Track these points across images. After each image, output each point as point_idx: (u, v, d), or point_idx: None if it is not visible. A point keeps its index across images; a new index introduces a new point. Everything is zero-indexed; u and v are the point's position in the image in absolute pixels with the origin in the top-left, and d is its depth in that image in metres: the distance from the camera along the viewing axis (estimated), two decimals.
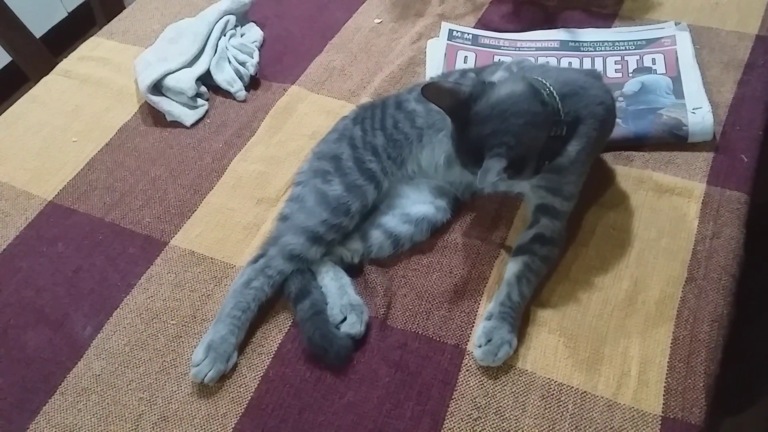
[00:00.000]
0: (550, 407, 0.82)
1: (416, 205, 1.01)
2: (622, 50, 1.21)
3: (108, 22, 1.47)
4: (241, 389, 0.88)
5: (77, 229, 1.08)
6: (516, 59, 1.05)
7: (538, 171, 0.86)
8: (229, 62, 1.28)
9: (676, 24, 1.24)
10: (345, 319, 0.91)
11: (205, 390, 0.88)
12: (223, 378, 0.89)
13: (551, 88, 0.86)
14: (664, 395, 0.82)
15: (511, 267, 0.92)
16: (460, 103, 0.85)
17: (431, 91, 0.87)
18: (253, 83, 1.29)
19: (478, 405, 0.83)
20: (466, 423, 0.82)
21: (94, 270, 1.03)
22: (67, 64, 1.37)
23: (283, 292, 0.95)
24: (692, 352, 0.85)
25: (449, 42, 1.26)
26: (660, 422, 0.80)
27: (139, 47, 1.37)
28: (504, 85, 0.86)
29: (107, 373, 0.91)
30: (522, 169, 0.84)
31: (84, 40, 1.42)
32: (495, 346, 0.84)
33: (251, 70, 1.27)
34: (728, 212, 0.97)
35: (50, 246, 1.06)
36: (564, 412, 0.82)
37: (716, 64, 1.18)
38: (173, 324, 0.95)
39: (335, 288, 0.94)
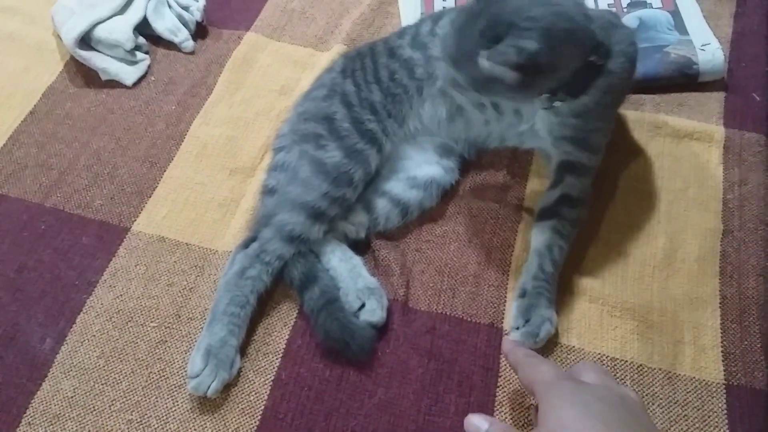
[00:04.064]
0: None
1: (422, 166, 0.89)
2: None
3: None
4: (252, 397, 0.75)
5: (11, 218, 0.89)
6: None
7: (551, 99, 0.76)
8: (170, 7, 1.09)
9: None
10: (363, 305, 0.79)
11: (209, 403, 0.75)
12: (228, 387, 0.75)
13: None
14: (723, 361, 0.76)
15: (538, 234, 0.82)
16: None
17: None
18: (199, 31, 1.10)
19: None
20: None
21: (42, 268, 0.85)
22: None
23: (282, 278, 0.82)
24: (743, 311, 0.79)
25: None
26: (724, 390, 0.74)
27: None
28: None
29: (82, 394, 0.75)
30: (535, 81, 0.71)
31: None
32: (535, 326, 0.75)
33: (197, 16, 1.09)
34: (751, 156, 0.92)
35: None
36: None
37: None
38: (154, 327, 0.80)
39: (346, 270, 0.81)
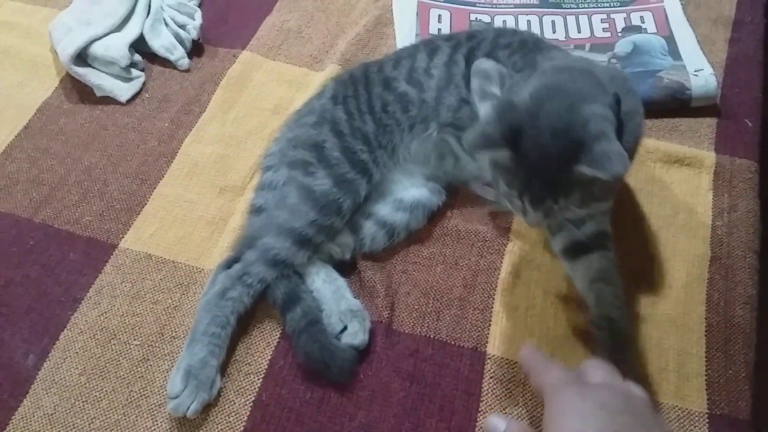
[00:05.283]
0: None
1: (408, 189, 0.89)
2: (607, 7, 1.12)
3: None
4: (231, 418, 0.75)
5: (1, 233, 0.90)
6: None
7: None
8: (167, 25, 1.10)
9: None
10: (345, 328, 0.79)
11: (188, 424, 0.74)
12: (208, 407, 0.75)
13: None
14: (707, 390, 0.75)
15: (587, 267, 0.80)
16: (512, 120, 0.66)
17: (482, 140, 0.68)
18: (195, 49, 1.11)
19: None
20: None
21: (28, 283, 0.85)
22: None
23: (264, 297, 0.82)
24: (729, 339, 0.79)
25: None
26: (707, 420, 0.73)
27: (51, 8, 1.16)
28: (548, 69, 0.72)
29: (62, 411, 0.75)
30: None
31: None
32: None
33: (193, 34, 1.10)
34: (741, 182, 0.91)
35: None
36: None
37: (704, 21, 1.11)
38: (137, 345, 0.80)
39: (330, 292, 0.81)
